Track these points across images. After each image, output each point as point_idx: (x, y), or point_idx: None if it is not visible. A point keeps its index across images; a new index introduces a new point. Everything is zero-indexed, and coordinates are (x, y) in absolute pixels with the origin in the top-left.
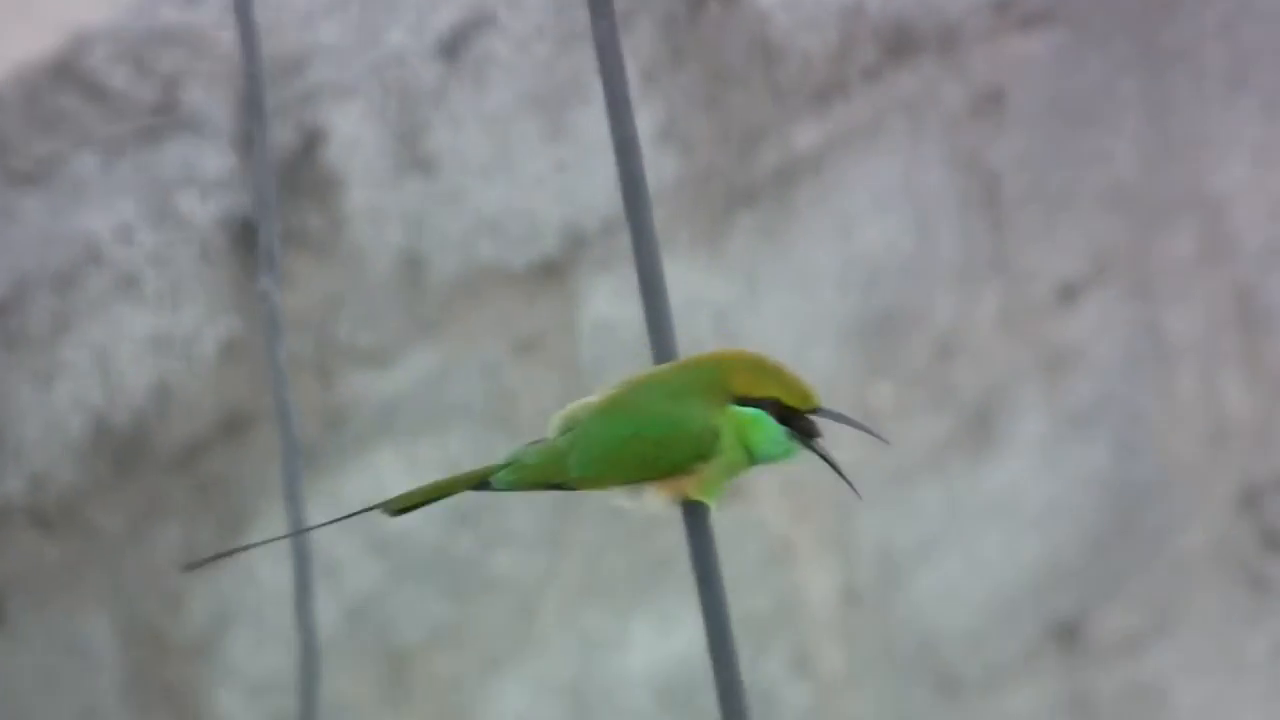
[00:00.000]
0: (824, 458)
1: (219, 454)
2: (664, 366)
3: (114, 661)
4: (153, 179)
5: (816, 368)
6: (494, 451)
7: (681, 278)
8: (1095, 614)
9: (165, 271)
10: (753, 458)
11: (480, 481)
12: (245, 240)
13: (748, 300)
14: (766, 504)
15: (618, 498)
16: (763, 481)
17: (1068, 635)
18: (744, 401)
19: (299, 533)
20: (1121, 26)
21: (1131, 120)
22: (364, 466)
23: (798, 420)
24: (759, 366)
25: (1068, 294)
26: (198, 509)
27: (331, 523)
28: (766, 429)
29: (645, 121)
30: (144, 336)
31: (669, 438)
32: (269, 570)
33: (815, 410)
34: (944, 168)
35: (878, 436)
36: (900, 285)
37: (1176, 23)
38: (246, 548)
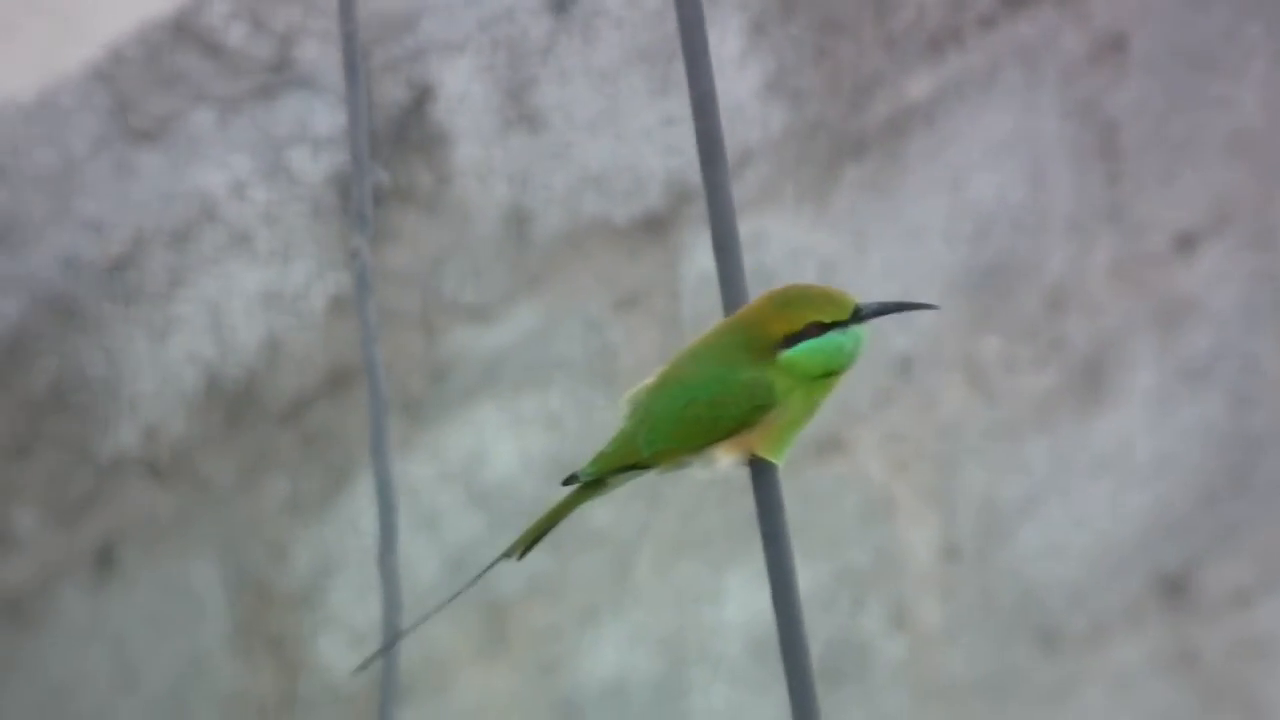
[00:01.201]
0: (880, 312)
1: (325, 407)
2: (705, 334)
3: (220, 610)
4: (266, 136)
5: (923, 321)
6: (595, 407)
7: (787, 232)
8: (1204, 568)
9: (277, 228)
10: (822, 387)
11: (569, 478)
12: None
13: (853, 253)
14: (867, 458)
15: (691, 466)
16: (862, 435)
17: (1175, 589)
18: (789, 342)
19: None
20: None
21: (1257, 66)
22: (466, 420)
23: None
24: (787, 303)
25: (1185, 244)
26: (304, 461)
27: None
28: (820, 349)
29: (753, 74)
30: (255, 292)
31: (721, 396)
32: (370, 521)
33: (855, 315)
34: (1060, 117)
35: (927, 307)
36: (1011, 237)
37: None
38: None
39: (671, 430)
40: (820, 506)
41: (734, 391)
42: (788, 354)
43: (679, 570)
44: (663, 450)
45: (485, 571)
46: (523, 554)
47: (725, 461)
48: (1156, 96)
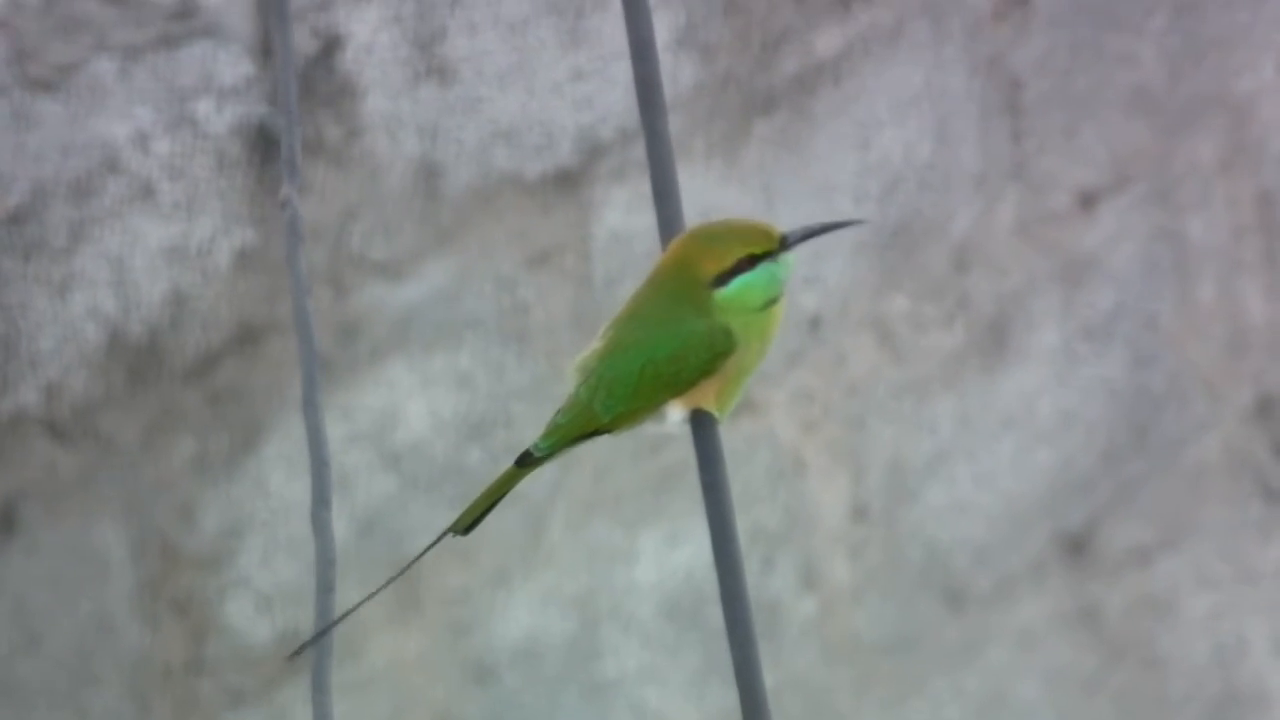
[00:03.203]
0: (806, 236)
1: (232, 365)
2: (637, 291)
3: (126, 571)
4: (170, 86)
5: (832, 279)
6: (506, 366)
7: (697, 186)
8: (1105, 526)
9: (181, 181)
10: (769, 321)
11: (523, 456)
12: (260, 149)
13: (764, 210)
14: (776, 417)
15: (650, 424)
16: (772, 395)
17: (1077, 547)
18: (722, 279)
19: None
20: None
21: (1157, 21)
22: (377, 380)
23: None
24: (712, 239)
25: (1087, 202)
26: (211, 420)
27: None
28: (755, 283)
29: (663, 27)
30: (159, 247)
31: (680, 351)
32: (280, 481)
33: (783, 244)
34: (966, 74)
35: (852, 223)
36: (918, 195)
37: None
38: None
39: (631, 392)
40: (732, 466)
41: (692, 343)
42: (724, 292)
43: (591, 530)
44: (622, 413)
45: (428, 550)
46: (468, 529)
47: (676, 416)
48: (1060, 52)
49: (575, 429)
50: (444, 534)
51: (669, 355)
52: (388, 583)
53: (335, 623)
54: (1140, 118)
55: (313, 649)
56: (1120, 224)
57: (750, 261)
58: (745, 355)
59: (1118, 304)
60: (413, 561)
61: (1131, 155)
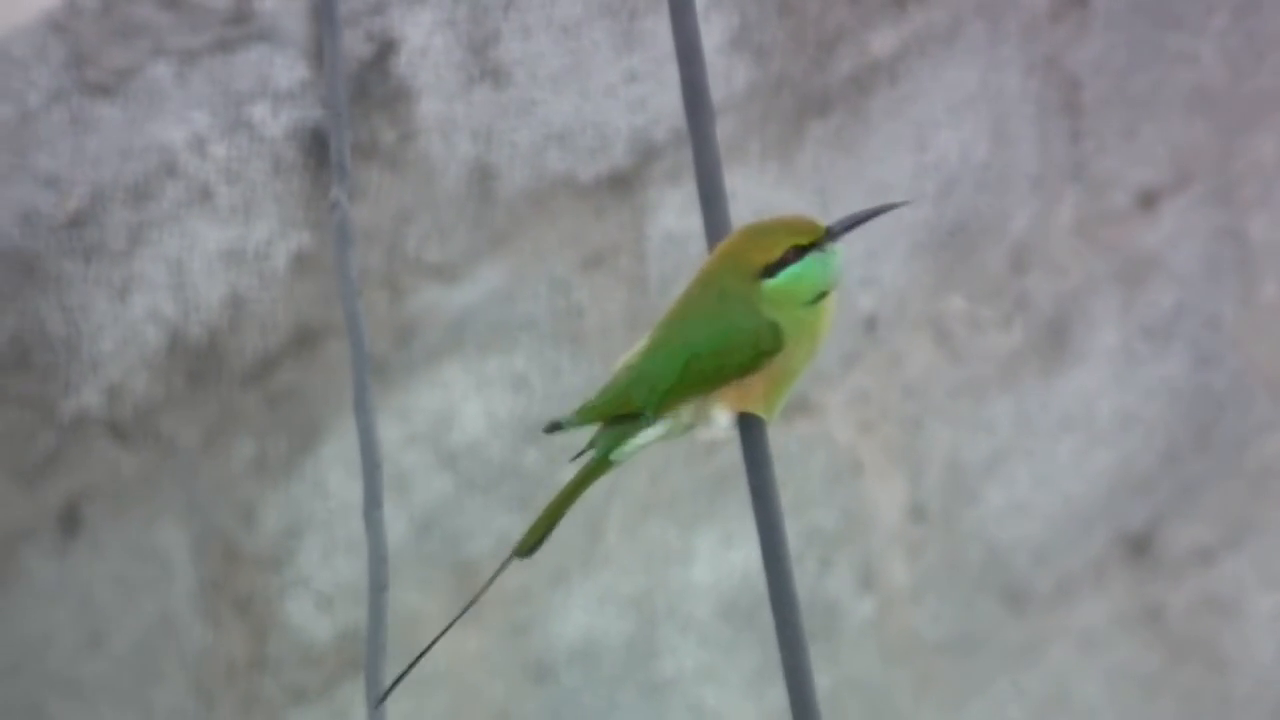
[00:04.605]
0: (851, 225)
1: (290, 367)
2: (682, 295)
3: (188, 570)
4: (226, 90)
5: (888, 280)
6: (561, 368)
7: (752, 189)
8: (1167, 526)
9: (238, 184)
10: (820, 319)
11: (552, 426)
12: (315, 152)
13: (818, 212)
14: (833, 418)
15: (693, 428)
16: (829, 396)
17: (1139, 548)
18: (770, 270)
19: None
20: None
21: (1218, 20)
22: (433, 381)
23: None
24: (760, 234)
25: (1147, 201)
26: (270, 421)
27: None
28: (803, 272)
29: (717, 29)
30: (216, 250)
31: (724, 346)
32: (338, 481)
33: (828, 234)
34: (1022, 73)
35: (894, 206)
36: (975, 195)
37: None
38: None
39: (673, 384)
40: (787, 468)
41: (738, 339)
42: (771, 282)
43: (647, 531)
44: (663, 404)
45: (497, 575)
46: (531, 551)
47: (724, 420)
48: (1118, 52)
49: (609, 409)
50: (510, 559)
51: (713, 349)
52: (463, 610)
53: (421, 655)
54: (1201, 117)
55: (367, 649)
56: (1181, 223)
57: (798, 252)
58: (793, 354)
59: (1179, 304)
60: (484, 587)
61: (1192, 154)
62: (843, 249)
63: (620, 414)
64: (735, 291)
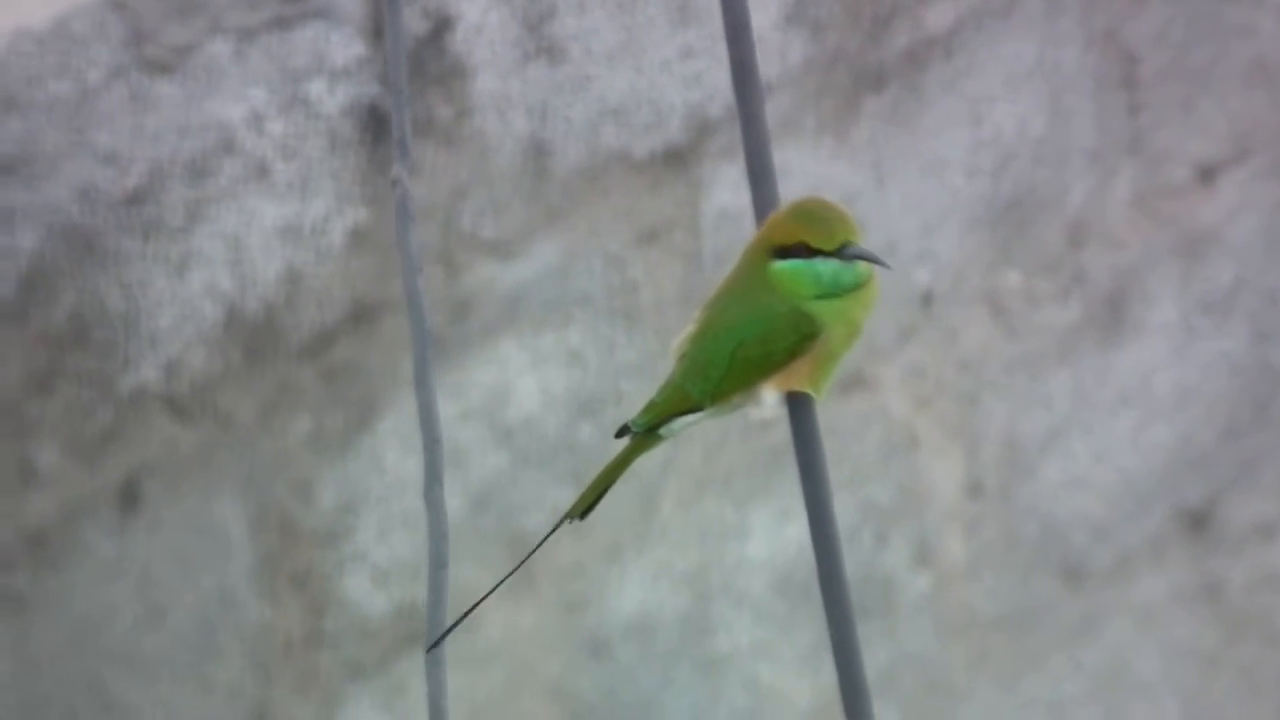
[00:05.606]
0: (858, 257)
1: (346, 343)
2: (733, 270)
3: (246, 546)
4: (283, 67)
5: (944, 255)
6: (615, 343)
7: (807, 164)
8: (1227, 502)
9: (295, 161)
10: (854, 303)
11: (621, 430)
12: (372, 129)
13: (874, 187)
14: (889, 394)
15: (743, 408)
16: (884, 371)
17: (1198, 523)
18: (779, 254)
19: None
20: None
21: None
22: (489, 357)
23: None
24: (794, 215)
25: (1206, 175)
26: (327, 397)
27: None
28: (800, 273)
29: (773, 4)
30: (274, 226)
31: (768, 334)
32: (395, 457)
33: (840, 250)
34: (1080, 47)
35: (883, 265)
36: (1032, 169)
37: None
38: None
39: (723, 374)
40: (843, 443)
41: (779, 326)
42: (776, 266)
43: (702, 507)
44: (716, 393)
45: (548, 536)
46: (584, 514)
47: (772, 399)
48: (1177, 25)
49: (670, 408)
50: (562, 520)
51: (758, 337)
52: (513, 570)
53: (469, 611)
54: (1260, 90)
55: (428, 625)
56: (1240, 197)
57: (807, 252)
58: (831, 338)
59: (1238, 278)
60: (535, 548)
61: (1251, 127)
62: (856, 266)
63: (681, 411)
64: (760, 270)
